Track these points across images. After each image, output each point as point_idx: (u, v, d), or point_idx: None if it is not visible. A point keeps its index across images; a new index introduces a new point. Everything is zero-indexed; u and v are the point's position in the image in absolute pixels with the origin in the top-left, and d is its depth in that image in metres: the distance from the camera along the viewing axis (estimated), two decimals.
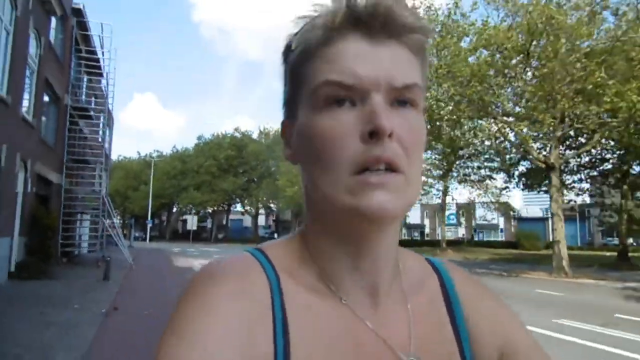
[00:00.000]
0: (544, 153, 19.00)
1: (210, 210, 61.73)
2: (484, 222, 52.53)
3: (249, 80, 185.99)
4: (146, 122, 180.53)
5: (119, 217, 55.79)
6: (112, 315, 7.50)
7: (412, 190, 0.47)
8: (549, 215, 59.96)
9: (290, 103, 0.53)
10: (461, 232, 60.20)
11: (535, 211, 61.15)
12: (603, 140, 19.87)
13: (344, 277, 0.51)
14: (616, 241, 44.01)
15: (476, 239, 56.63)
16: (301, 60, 0.50)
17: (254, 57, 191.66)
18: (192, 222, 50.91)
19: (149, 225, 49.74)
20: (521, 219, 57.03)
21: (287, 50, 0.52)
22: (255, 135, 58.74)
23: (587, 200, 36.46)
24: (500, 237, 57.41)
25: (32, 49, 11.62)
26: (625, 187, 24.17)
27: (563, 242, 17.73)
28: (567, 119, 18.04)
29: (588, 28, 15.27)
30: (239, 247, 41.93)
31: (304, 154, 0.50)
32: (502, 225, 59.66)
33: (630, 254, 25.16)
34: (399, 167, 0.45)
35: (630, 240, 47.21)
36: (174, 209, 63.82)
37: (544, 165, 18.39)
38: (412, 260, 0.60)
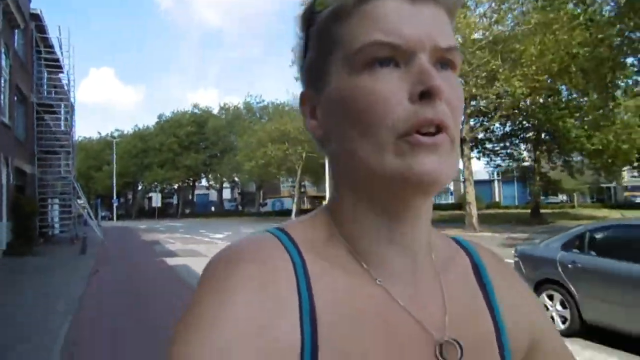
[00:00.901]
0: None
1: (175, 187, 63.52)
2: None
3: (210, 50, 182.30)
4: (104, 98, 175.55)
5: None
6: (94, 276, 10.05)
7: (456, 154, 0.45)
8: (495, 178, 63.67)
9: (316, 69, 0.49)
10: None
11: (483, 174, 65.99)
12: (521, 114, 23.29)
13: (379, 252, 0.48)
14: (551, 199, 49.07)
15: None
16: (334, 20, 0.46)
17: (213, 26, 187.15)
18: (156, 200, 52.59)
19: (115, 205, 51.22)
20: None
21: (309, 13, 0.49)
22: (215, 111, 60.39)
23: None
24: (451, 199, 61.95)
25: (3, 61, 13.50)
26: (537, 152, 27.89)
27: (473, 203, 21.17)
28: (477, 98, 21.20)
29: (483, 23, 18.14)
30: (204, 221, 44.49)
31: (336, 121, 0.47)
32: (452, 188, 64.22)
33: (542, 211, 29.29)
34: (448, 129, 0.43)
35: (565, 197, 52.38)
36: (139, 188, 65.13)
37: None
38: (437, 237, 0.57)
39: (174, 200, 67.42)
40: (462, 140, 21.18)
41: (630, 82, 19.03)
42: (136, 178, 59.73)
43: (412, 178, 0.42)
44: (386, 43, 0.43)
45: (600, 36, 12.03)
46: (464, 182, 22.42)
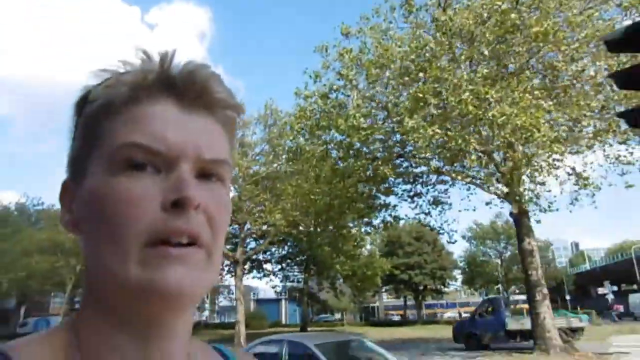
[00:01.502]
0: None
1: None
2: (227, 305, 57.18)
3: None
4: None
5: None
6: None
7: (213, 268, 0.44)
8: (282, 297, 66.91)
9: (79, 161, 0.47)
10: (206, 314, 63.13)
11: (272, 294, 69.21)
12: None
13: None
14: (328, 317, 54.00)
15: (218, 320, 60.20)
16: (100, 114, 0.45)
17: None
18: None
19: None
20: (259, 300, 63.90)
21: (83, 102, 0.47)
22: None
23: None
24: None
25: None
26: (306, 274, 31.82)
27: (242, 321, 22.67)
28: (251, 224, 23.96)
29: (257, 161, 21.59)
30: None
31: (89, 220, 0.44)
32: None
33: (312, 328, 32.53)
34: (203, 241, 0.42)
35: (339, 316, 58.21)
36: None
37: (232, 260, 23.53)
38: (198, 348, 0.54)
39: None
40: (236, 262, 23.17)
41: (372, 220, 24.27)
42: None
43: (156, 291, 0.40)
44: (145, 147, 0.42)
45: (323, 189, 15.93)
46: (236, 301, 23.96)
